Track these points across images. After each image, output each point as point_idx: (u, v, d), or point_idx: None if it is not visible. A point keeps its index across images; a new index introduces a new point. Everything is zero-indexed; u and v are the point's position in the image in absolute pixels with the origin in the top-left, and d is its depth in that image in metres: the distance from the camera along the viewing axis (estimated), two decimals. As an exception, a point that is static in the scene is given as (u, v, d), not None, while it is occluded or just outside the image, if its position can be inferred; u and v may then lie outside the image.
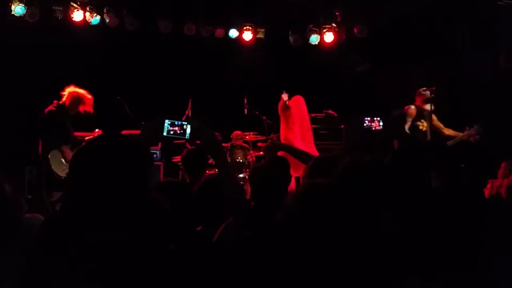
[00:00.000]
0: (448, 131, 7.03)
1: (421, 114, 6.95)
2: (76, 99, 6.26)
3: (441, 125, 7.09)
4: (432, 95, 6.92)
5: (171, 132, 2.41)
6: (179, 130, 2.43)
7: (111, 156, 1.45)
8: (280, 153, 5.15)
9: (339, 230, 1.38)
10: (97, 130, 6.63)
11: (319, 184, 1.51)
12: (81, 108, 6.29)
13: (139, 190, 1.48)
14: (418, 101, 7.03)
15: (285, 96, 6.70)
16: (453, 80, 7.61)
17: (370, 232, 1.41)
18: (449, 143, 6.91)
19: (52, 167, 6.04)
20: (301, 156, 3.82)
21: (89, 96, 6.33)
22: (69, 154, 6.04)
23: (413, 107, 6.99)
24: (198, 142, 2.58)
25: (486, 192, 4.68)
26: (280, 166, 3.76)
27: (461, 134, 6.92)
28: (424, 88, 7.01)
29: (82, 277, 1.37)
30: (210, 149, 2.36)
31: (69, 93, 6.26)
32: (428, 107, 6.94)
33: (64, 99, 6.24)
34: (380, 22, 8.54)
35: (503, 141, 6.71)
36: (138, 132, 7.46)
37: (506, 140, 6.75)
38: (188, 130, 2.45)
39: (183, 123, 2.45)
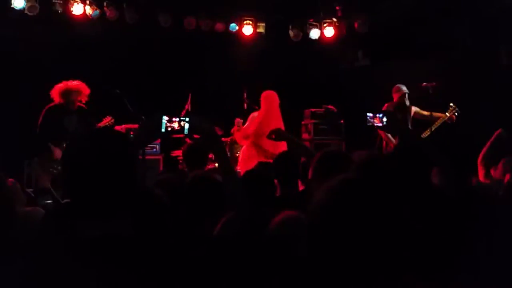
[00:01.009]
0: (434, 114, 6.97)
1: (399, 110, 6.95)
2: (65, 92, 6.15)
3: (425, 113, 7.06)
4: (406, 91, 7.00)
5: (169, 129, 2.41)
6: (177, 126, 2.44)
7: (95, 148, 1.50)
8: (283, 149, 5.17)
9: (374, 225, 1.42)
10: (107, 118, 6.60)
11: (351, 180, 1.53)
12: (79, 98, 6.22)
13: (128, 181, 1.51)
14: (395, 97, 7.09)
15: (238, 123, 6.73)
16: (454, 77, 7.58)
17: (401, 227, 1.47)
18: (427, 132, 6.84)
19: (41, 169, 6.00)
20: (302, 149, 3.83)
21: (77, 85, 6.21)
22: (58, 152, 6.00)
23: (390, 105, 7.02)
24: (197, 136, 2.58)
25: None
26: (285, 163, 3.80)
27: (442, 115, 6.87)
28: (398, 85, 7.07)
29: (80, 271, 1.37)
30: (209, 143, 2.36)
31: (56, 89, 6.15)
32: (405, 102, 7.01)
33: (55, 99, 6.15)
34: (380, 17, 8.51)
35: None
36: (137, 126, 7.39)
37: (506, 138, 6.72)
38: (186, 126, 2.45)
39: (181, 119, 2.45)
